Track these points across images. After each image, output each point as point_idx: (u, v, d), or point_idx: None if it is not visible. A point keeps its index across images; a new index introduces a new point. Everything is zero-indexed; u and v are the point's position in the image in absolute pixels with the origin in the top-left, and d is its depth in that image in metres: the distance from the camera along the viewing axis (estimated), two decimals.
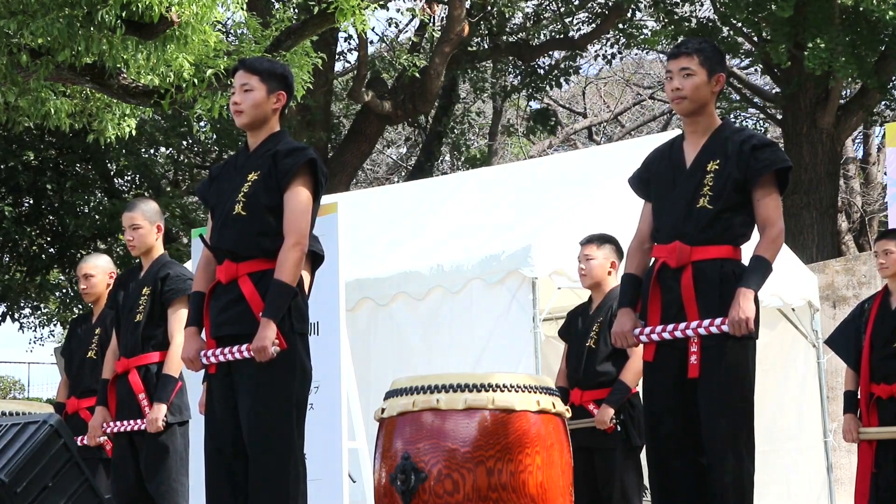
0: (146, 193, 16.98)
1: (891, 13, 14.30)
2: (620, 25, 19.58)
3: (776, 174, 4.41)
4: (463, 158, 24.09)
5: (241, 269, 4.44)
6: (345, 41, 18.83)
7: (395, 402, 4.26)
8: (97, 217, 16.54)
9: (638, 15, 20.08)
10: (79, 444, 6.00)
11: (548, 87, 20.95)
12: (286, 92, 4.59)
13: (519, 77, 19.66)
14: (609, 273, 6.34)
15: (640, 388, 4.95)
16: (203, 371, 4.58)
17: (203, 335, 4.55)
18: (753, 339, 4.38)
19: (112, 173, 17.78)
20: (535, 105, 21.93)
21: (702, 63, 4.47)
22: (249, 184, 4.48)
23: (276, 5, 15.13)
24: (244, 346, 4.34)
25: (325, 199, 6.92)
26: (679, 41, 4.72)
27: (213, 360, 4.45)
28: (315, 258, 5.12)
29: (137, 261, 6.12)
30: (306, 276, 5.09)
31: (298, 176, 4.44)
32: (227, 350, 4.40)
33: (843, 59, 14.63)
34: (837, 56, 14.63)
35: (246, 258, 4.45)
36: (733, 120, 20.61)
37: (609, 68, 24.78)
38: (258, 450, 4.35)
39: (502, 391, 4.15)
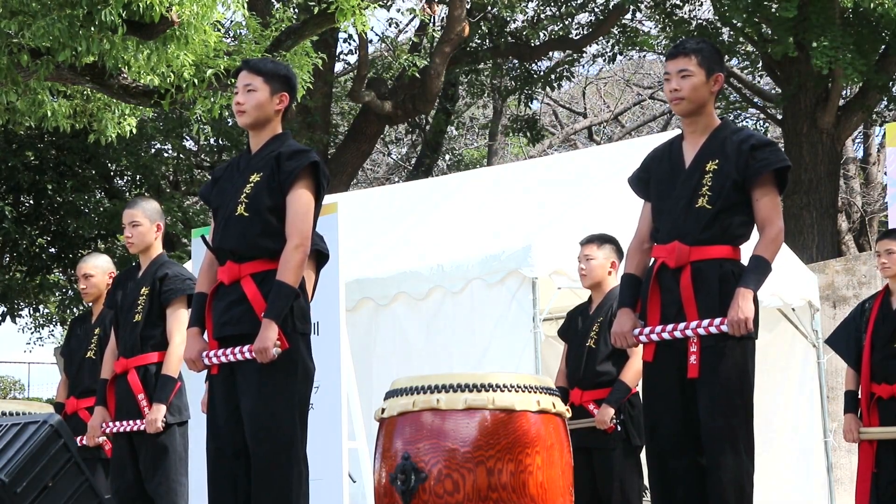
0: (146, 194, 16.98)
1: (894, 12, 14.29)
2: (620, 26, 19.59)
3: (775, 174, 4.41)
4: (458, 162, 24.10)
5: (244, 270, 4.45)
6: (345, 42, 18.82)
7: (395, 402, 4.26)
8: (97, 217, 16.54)
9: (638, 16, 20.09)
10: (78, 444, 6.00)
11: (548, 90, 20.95)
12: (289, 93, 4.60)
13: (514, 81, 19.66)
14: (609, 273, 6.34)
15: (639, 388, 4.95)
16: (205, 371, 4.59)
17: (205, 336, 4.56)
18: (753, 339, 4.38)
19: (112, 173, 17.78)
20: (533, 104, 21.94)
21: (700, 63, 4.46)
22: (252, 185, 4.49)
23: (276, 5, 15.12)
24: (246, 347, 4.35)
25: (325, 199, 6.92)
26: (677, 42, 4.70)
27: (215, 360, 4.46)
28: (320, 257, 5.13)
29: (136, 262, 6.12)
30: (311, 275, 5.10)
31: (301, 178, 4.45)
32: (229, 351, 4.41)
33: (848, 55, 14.62)
34: (843, 54, 14.62)
35: (248, 259, 4.46)
36: (733, 120, 20.62)
37: (609, 68, 24.79)
38: (260, 450, 4.35)
39: (502, 391, 4.15)
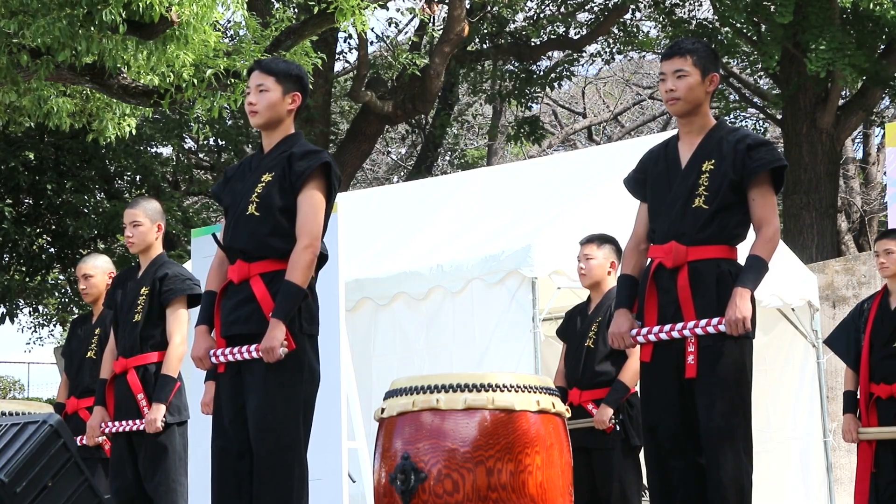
0: (146, 194, 16.97)
1: (892, 12, 14.30)
2: (619, 27, 19.59)
3: (771, 173, 4.42)
4: (458, 161, 24.08)
5: (253, 270, 4.46)
6: (345, 41, 18.82)
7: (395, 402, 4.26)
8: (97, 217, 16.53)
9: (637, 15, 20.09)
10: (78, 443, 6.00)
11: (547, 90, 20.94)
12: (301, 93, 4.60)
13: (514, 82, 19.66)
14: (608, 273, 6.34)
15: (638, 388, 4.95)
16: (205, 371, 4.58)
17: (213, 334, 4.56)
18: (750, 339, 4.39)
19: (112, 174, 17.77)
20: (532, 105, 21.95)
21: (695, 63, 4.47)
22: (263, 185, 4.50)
23: (276, 5, 15.12)
24: (253, 347, 4.36)
25: None
26: (673, 42, 4.71)
27: (222, 359, 4.47)
28: (320, 258, 5.14)
29: (136, 262, 6.13)
30: None
31: (312, 179, 4.46)
32: (236, 350, 4.42)
33: (848, 54, 14.62)
34: (839, 58, 14.63)
35: (258, 258, 4.46)
36: (732, 120, 20.62)
37: (609, 68, 24.79)
38: (264, 449, 4.36)
39: (502, 391, 4.15)
